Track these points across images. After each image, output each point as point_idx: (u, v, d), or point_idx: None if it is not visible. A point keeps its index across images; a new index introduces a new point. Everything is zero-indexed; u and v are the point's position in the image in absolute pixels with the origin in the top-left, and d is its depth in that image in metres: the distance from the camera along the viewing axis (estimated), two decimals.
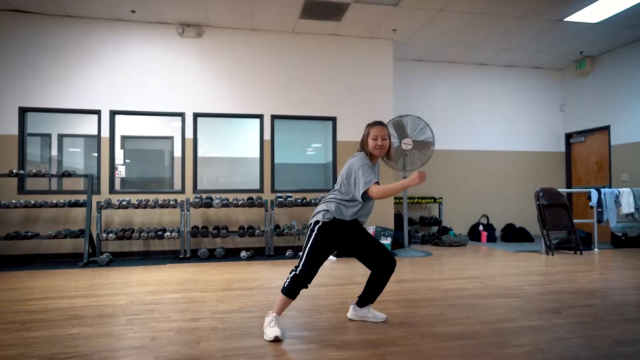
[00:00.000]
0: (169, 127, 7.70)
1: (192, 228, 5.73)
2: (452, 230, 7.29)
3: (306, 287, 2.54)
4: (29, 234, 5.23)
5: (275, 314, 2.52)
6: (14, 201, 5.21)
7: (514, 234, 7.38)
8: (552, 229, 5.87)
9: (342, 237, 2.61)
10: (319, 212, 2.60)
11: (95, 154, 8.10)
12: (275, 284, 4.02)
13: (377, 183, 2.52)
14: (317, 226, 2.56)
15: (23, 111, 5.67)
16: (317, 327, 2.68)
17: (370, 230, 6.03)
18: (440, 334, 2.52)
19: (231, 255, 5.83)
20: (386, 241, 5.88)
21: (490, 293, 3.57)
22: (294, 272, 2.52)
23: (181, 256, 5.59)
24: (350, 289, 3.75)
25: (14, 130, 5.63)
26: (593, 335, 2.48)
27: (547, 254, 5.78)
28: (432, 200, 7.48)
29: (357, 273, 4.56)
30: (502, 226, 7.71)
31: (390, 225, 6.56)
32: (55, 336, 2.54)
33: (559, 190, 6.21)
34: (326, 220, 2.55)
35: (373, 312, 2.79)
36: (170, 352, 2.27)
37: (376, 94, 6.69)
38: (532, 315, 2.91)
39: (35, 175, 5.27)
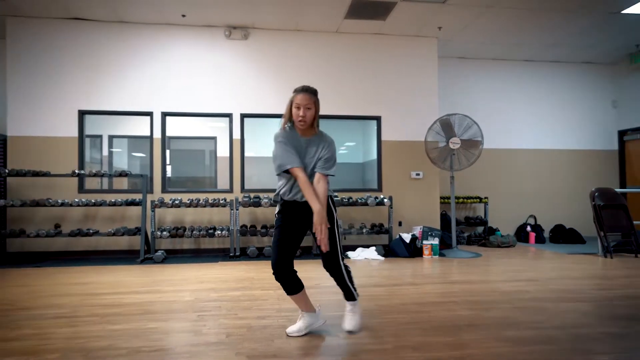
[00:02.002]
0: (211, 128, 7.90)
1: (241, 227, 5.85)
2: (498, 230, 7.13)
3: (275, 276, 2.42)
4: (90, 231, 5.48)
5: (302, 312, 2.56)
6: (76, 200, 5.47)
7: (564, 235, 7.15)
8: (609, 231, 5.65)
9: (289, 219, 2.46)
10: None
11: (138, 154, 8.42)
12: (330, 283, 4.03)
13: (303, 168, 2.31)
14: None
15: (82, 114, 5.94)
16: (386, 327, 2.69)
17: (417, 230, 5.98)
18: (514, 338, 2.48)
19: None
20: (433, 241, 5.82)
21: (554, 296, 3.48)
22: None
23: (231, 254, 5.72)
24: (407, 290, 3.74)
25: (74, 132, 5.89)
26: None
27: (605, 256, 5.57)
28: (478, 200, 7.34)
29: (405, 274, 4.55)
30: (551, 227, 7.48)
31: (437, 225, 6.49)
32: (135, 329, 2.66)
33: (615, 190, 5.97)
34: (279, 202, 2.51)
35: (348, 315, 2.60)
36: (247, 348, 2.34)
37: (420, 93, 6.62)
38: (606, 321, 2.81)
39: (95, 175, 5.51)
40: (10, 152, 5.76)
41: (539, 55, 7.60)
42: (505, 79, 7.80)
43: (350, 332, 2.52)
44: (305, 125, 2.38)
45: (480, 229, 7.42)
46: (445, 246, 6.17)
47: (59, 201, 5.41)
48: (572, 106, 7.97)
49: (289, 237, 2.45)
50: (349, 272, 2.56)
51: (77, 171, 5.46)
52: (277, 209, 2.54)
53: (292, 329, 2.55)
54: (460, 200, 7.27)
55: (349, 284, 2.56)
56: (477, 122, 5.89)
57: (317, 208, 2.24)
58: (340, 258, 2.49)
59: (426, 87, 6.64)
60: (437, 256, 5.73)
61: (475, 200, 7.33)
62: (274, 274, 2.44)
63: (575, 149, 7.93)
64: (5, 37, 5.84)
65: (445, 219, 6.96)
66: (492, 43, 6.94)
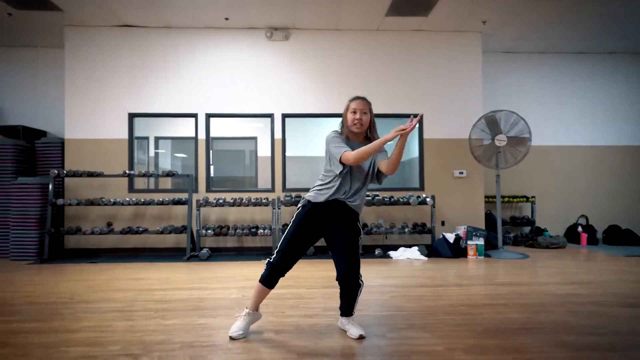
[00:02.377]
0: (251, 128, 8.05)
1: (283, 226, 5.92)
2: (546, 231, 6.84)
3: (282, 275, 2.50)
4: (140, 229, 5.71)
5: (247, 309, 2.54)
6: (127, 199, 5.72)
7: (619, 237, 6.76)
8: None
9: (317, 222, 2.48)
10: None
11: (180, 155, 8.69)
12: (373, 282, 4.03)
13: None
14: (296, 212, 2.56)
15: (131, 117, 6.20)
16: (434, 329, 2.64)
17: (461, 230, 5.84)
18: (573, 343, 2.37)
19: (320, 253, 5.94)
20: (478, 242, 5.66)
21: (613, 301, 3.30)
22: (269, 260, 2.52)
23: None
24: (453, 291, 3.66)
25: (124, 134, 6.17)
26: None
27: None
28: (524, 199, 7.08)
29: (449, 275, 4.45)
30: (604, 228, 7.09)
31: (481, 225, 6.31)
32: (187, 325, 2.74)
33: None
34: (302, 204, 2.53)
35: (349, 326, 2.53)
36: (297, 346, 2.36)
37: (463, 89, 6.46)
38: None
39: (144, 175, 5.74)
40: (67, 154, 6.10)
41: (592, 47, 7.22)
42: (554, 72, 7.46)
43: (361, 337, 2.44)
44: (361, 128, 2.48)
45: (527, 229, 7.15)
46: (490, 247, 5.99)
47: (111, 200, 5.68)
48: (629, 100, 7.51)
49: (304, 239, 2.50)
50: (361, 290, 2.55)
51: (127, 171, 5.72)
52: (301, 207, 2.54)
53: (235, 328, 2.51)
54: (506, 199, 7.03)
55: (357, 299, 2.56)
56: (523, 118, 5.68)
57: (383, 138, 2.29)
58: (360, 273, 2.51)
59: (469, 84, 6.46)
60: (482, 257, 5.57)
61: (521, 199, 7.07)
62: (274, 263, 2.47)
63: (632, 145, 7.47)
64: (64, 46, 6.18)
65: (489, 218, 6.76)
66: (539, 35, 6.66)
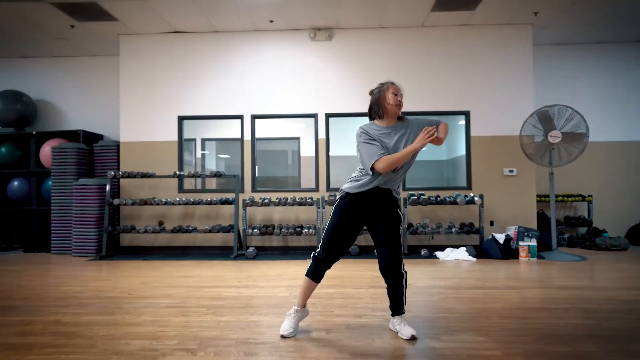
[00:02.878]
0: (294, 129, 8.12)
1: None
2: (606, 232, 6.45)
3: (328, 267, 2.55)
4: (189, 228, 5.91)
5: (295, 307, 2.58)
6: (177, 199, 5.94)
7: None
8: None
9: (356, 212, 2.50)
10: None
11: (224, 155, 8.90)
12: (422, 283, 3.96)
13: (386, 154, 2.40)
14: (335, 205, 2.58)
15: (181, 119, 6.43)
16: (490, 332, 2.55)
17: (512, 230, 5.62)
18: None
19: (365, 252, 5.91)
20: (530, 243, 5.42)
21: None
22: (314, 253, 2.55)
23: None
24: (508, 293, 3.52)
25: (174, 136, 6.40)
26: None
27: None
28: (580, 198, 6.70)
29: (501, 277, 4.28)
30: None
31: (533, 225, 6.04)
32: (240, 322, 2.81)
33: None
34: (340, 196, 2.57)
35: (400, 326, 2.49)
36: (349, 346, 2.35)
37: (513, 84, 6.21)
38: None
39: (193, 176, 5.93)
40: (122, 156, 6.41)
41: None
42: (612, 63, 7.01)
43: (413, 338, 2.40)
44: (400, 109, 2.54)
45: (583, 229, 6.77)
46: (543, 248, 5.72)
47: (163, 200, 5.92)
48: None
49: (346, 230, 2.52)
50: (406, 280, 2.52)
51: (177, 172, 5.93)
52: (339, 199, 2.57)
53: (285, 326, 2.55)
54: (560, 198, 6.69)
55: (404, 293, 2.52)
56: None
57: (411, 146, 2.38)
58: (403, 262, 2.48)
59: (519, 78, 6.20)
60: (535, 258, 5.33)
61: (577, 198, 6.70)
62: (319, 257, 2.52)
63: None
64: (119, 54, 6.51)
65: (542, 218, 6.46)
66: (596, 24, 6.28)
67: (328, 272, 2.65)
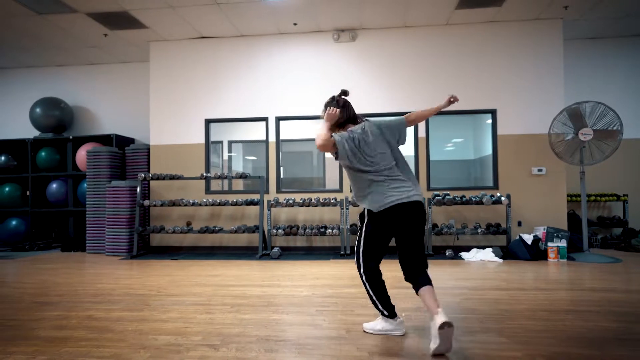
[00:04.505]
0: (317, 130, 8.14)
1: (351, 226, 5.95)
2: None
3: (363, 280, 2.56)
4: (216, 228, 6.05)
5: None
6: (204, 200, 6.09)
7: None
8: None
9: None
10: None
11: (251, 157, 9.04)
12: (443, 284, 3.92)
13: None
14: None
15: (208, 122, 6.60)
16: (513, 334, 2.51)
17: (540, 231, 5.48)
18: None
19: (388, 253, 5.86)
20: (560, 244, 5.27)
21: None
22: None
23: (342, 252, 5.85)
24: (534, 295, 3.45)
25: (201, 139, 6.58)
26: None
27: None
28: (615, 198, 6.45)
29: (528, 278, 4.18)
30: None
31: (563, 225, 5.86)
32: (262, 320, 2.87)
33: None
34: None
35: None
36: (368, 345, 2.37)
37: (542, 81, 6.05)
38: None
39: (219, 177, 6.07)
40: (152, 159, 6.63)
41: None
42: None
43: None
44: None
45: (617, 230, 6.52)
46: (574, 249, 5.54)
47: (190, 201, 6.08)
48: None
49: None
50: (368, 283, 2.54)
51: (204, 174, 6.09)
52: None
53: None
54: (592, 198, 6.46)
55: (370, 294, 2.55)
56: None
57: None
58: (360, 260, 2.55)
59: (549, 75, 6.04)
60: (565, 260, 5.18)
61: (611, 198, 6.45)
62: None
63: None
64: (149, 60, 6.74)
65: (573, 219, 6.26)
66: (632, 16, 6.03)
67: (350, 273, 2.70)
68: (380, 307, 2.52)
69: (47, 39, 6.53)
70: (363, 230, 2.54)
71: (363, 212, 2.57)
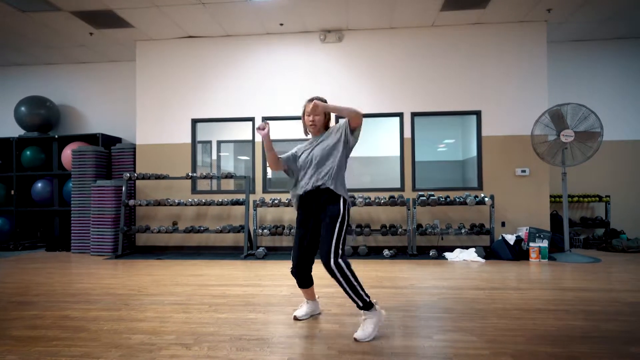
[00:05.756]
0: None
1: None
2: (624, 233, 6.27)
3: (292, 273, 2.78)
4: (202, 228, 6.05)
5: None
6: (190, 200, 6.09)
7: None
8: None
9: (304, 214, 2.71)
10: None
11: (243, 157, 9.01)
12: (425, 284, 3.95)
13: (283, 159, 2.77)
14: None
15: (194, 122, 6.59)
16: (483, 332, 2.55)
17: (523, 231, 5.53)
18: None
19: (374, 253, 5.92)
20: (542, 244, 5.33)
21: None
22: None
23: None
24: (510, 294, 3.49)
25: (188, 139, 6.57)
26: None
27: None
28: (597, 198, 6.53)
29: (508, 278, 4.23)
30: None
31: (546, 226, 5.93)
32: (238, 319, 2.88)
33: None
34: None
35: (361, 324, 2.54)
36: (339, 344, 2.40)
37: (526, 84, 6.11)
38: None
39: (205, 177, 6.07)
40: (138, 158, 6.62)
41: None
42: (631, 59, 6.82)
43: (355, 340, 2.41)
44: (315, 130, 2.76)
45: (600, 231, 6.60)
46: (556, 249, 5.62)
47: (176, 201, 6.07)
48: None
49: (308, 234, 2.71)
50: (345, 273, 2.54)
51: (190, 174, 6.08)
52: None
53: (300, 312, 2.88)
54: (576, 199, 6.54)
55: (345, 287, 2.55)
56: (596, 112, 5.26)
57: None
58: (333, 254, 2.51)
59: (533, 77, 6.10)
60: (547, 260, 5.24)
61: (593, 199, 6.53)
62: (292, 273, 2.79)
63: None
64: (135, 59, 6.72)
65: (556, 219, 6.33)
66: (616, 19, 6.10)
67: None
68: (364, 294, 2.53)
69: (33, 38, 6.49)
70: (345, 220, 2.58)
71: (337, 203, 2.59)
